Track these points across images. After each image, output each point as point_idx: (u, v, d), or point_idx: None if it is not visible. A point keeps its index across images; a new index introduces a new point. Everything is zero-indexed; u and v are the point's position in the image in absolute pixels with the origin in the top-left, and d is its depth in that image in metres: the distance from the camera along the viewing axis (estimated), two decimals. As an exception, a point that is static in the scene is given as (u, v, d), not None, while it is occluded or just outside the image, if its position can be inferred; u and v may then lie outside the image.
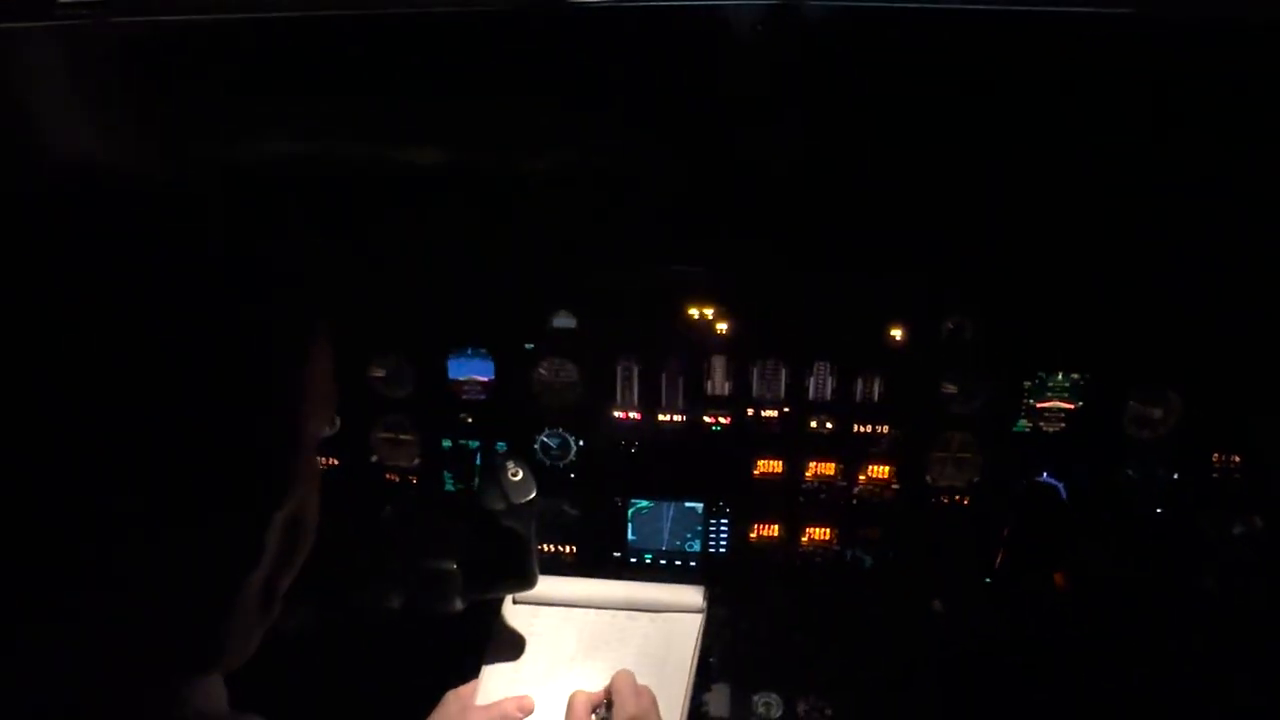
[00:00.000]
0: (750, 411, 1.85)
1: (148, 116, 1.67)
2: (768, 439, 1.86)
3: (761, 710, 1.83)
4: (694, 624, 1.62)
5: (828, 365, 1.81)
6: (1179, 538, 1.79)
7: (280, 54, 1.69)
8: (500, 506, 1.43)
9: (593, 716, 1.34)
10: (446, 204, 1.81)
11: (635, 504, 1.92)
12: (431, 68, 1.61)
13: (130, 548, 0.67)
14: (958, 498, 1.86)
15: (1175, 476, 1.81)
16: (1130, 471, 1.82)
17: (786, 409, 1.84)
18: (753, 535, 1.92)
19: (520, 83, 1.65)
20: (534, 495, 1.46)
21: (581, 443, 1.89)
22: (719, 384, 1.84)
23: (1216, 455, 1.81)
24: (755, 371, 1.83)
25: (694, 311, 1.78)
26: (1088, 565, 1.77)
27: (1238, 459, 1.80)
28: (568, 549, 1.95)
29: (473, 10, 1.55)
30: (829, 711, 1.83)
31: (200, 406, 0.65)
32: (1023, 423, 1.82)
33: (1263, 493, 1.79)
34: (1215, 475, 1.81)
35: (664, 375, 1.84)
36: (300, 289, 0.76)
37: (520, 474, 1.45)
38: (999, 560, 1.69)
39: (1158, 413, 1.80)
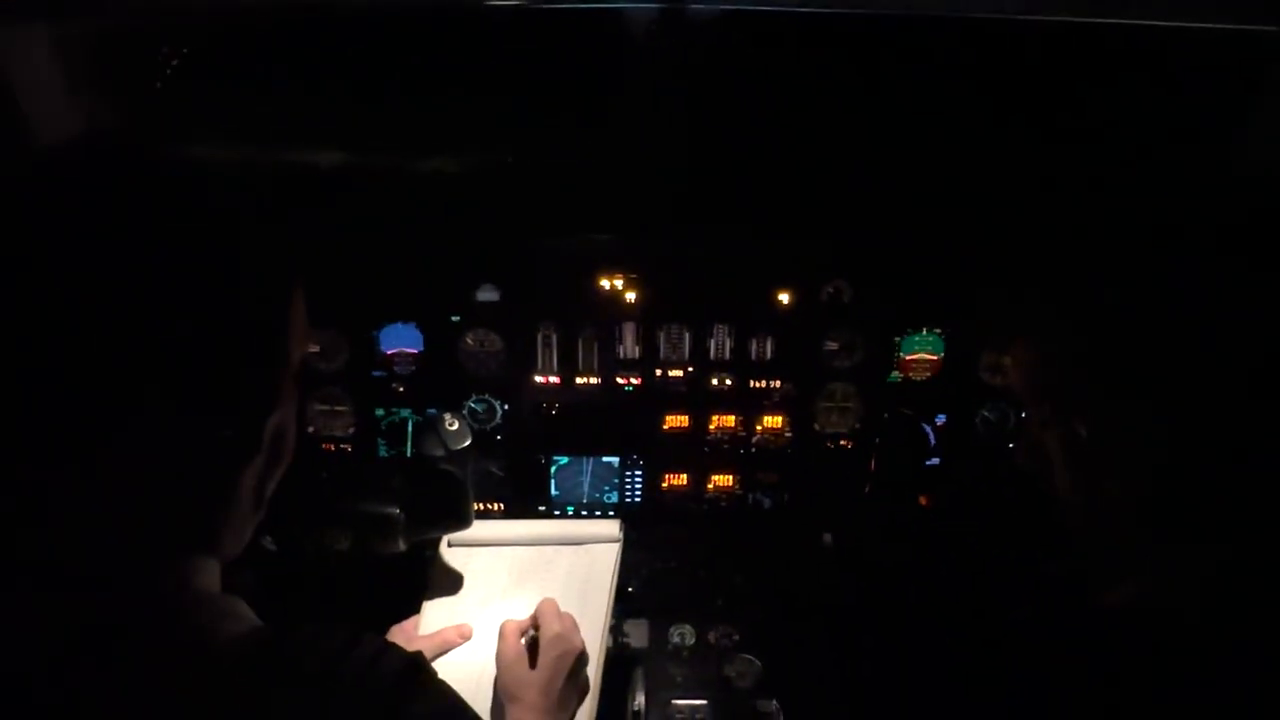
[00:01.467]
0: (658, 372, 2.06)
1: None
2: (674, 396, 2.08)
3: (676, 640, 2.03)
4: (612, 552, 1.80)
5: (726, 328, 2.04)
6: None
7: (210, 49, 1.81)
8: (439, 454, 1.60)
9: (522, 640, 1.49)
10: (374, 189, 1.96)
11: (557, 461, 2.11)
12: (357, 61, 1.76)
13: (156, 442, 0.83)
14: (842, 442, 2.11)
15: (1023, 415, 2.10)
16: (986, 412, 2.10)
17: (690, 369, 2.06)
18: (664, 484, 2.14)
19: (439, 76, 1.82)
20: (469, 443, 1.63)
21: (506, 407, 2.07)
22: (629, 348, 2.04)
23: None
24: (661, 335, 2.04)
25: (606, 282, 1.98)
26: (949, 491, 2.04)
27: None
28: (496, 505, 2.12)
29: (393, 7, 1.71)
30: (736, 637, 2.03)
31: (213, 332, 0.84)
32: (895, 374, 2.08)
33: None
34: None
35: (580, 342, 2.03)
36: (285, 251, 0.95)
37: (457, 424, 1.62)
38: (868, 487, 1.94)
39: (1007, 360, 2.08)
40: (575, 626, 1.52)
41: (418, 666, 0.90)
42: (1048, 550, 2.03)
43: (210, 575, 0.93)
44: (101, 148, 0.85)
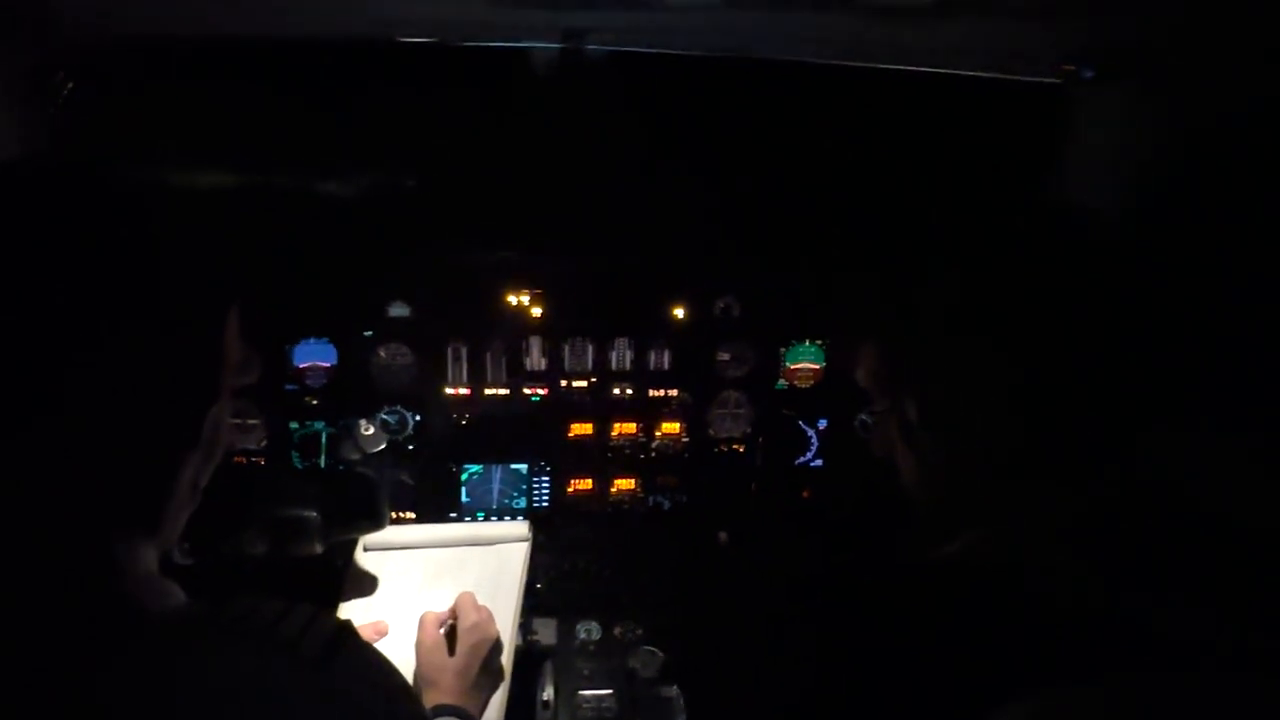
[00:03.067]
0: (563, 383, 2.19)
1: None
2: (579, 405, 2.21)
3: (583, 635, 2.15)
4: (521, 551, 1.91)
5: (626, 340, 2.19)
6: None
7: (114, 72, 1.86)
8: (355, 456, 1.68)
9: (440, 630, 1.58)
10: (287, 209, 2.04)
11: (467, 469, 2.21)
12: (276, 86, 1.86)
13: (101, 431, 0.92)
14: (735, 445, 2.28)
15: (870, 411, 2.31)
16: (864, 416, 2.31)
17: (593, 379, 2.19)
18: (570, 489, 2.26)
19: (354, 102, 1.93)
20: (383, 446, 1.72)
21: (418, 418, 2.15)
22: (536, 360, 2.17)
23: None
24: (566, 348, 2.17)
25: (513, 298, 2.11)
26: (829, 488, 2.23)
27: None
28: (408, 514, 2.20)
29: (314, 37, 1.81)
30: (640, 632, 2.17)
31: (155, 332, 0.93)
32: (781, 382, 2.27)
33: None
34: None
35: (489, 355, 2.15)
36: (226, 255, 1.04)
37: (372, 429, 1.71)
38: (754, 484, 2.11)
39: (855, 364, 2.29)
40: (491, 618, 1.62)
41: (348, 630, 0.99)
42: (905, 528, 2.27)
43: (150, 559, 1.01)
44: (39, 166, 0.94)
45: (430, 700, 1.45)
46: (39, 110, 1.83)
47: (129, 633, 0.90)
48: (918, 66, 1.71)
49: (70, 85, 1.85)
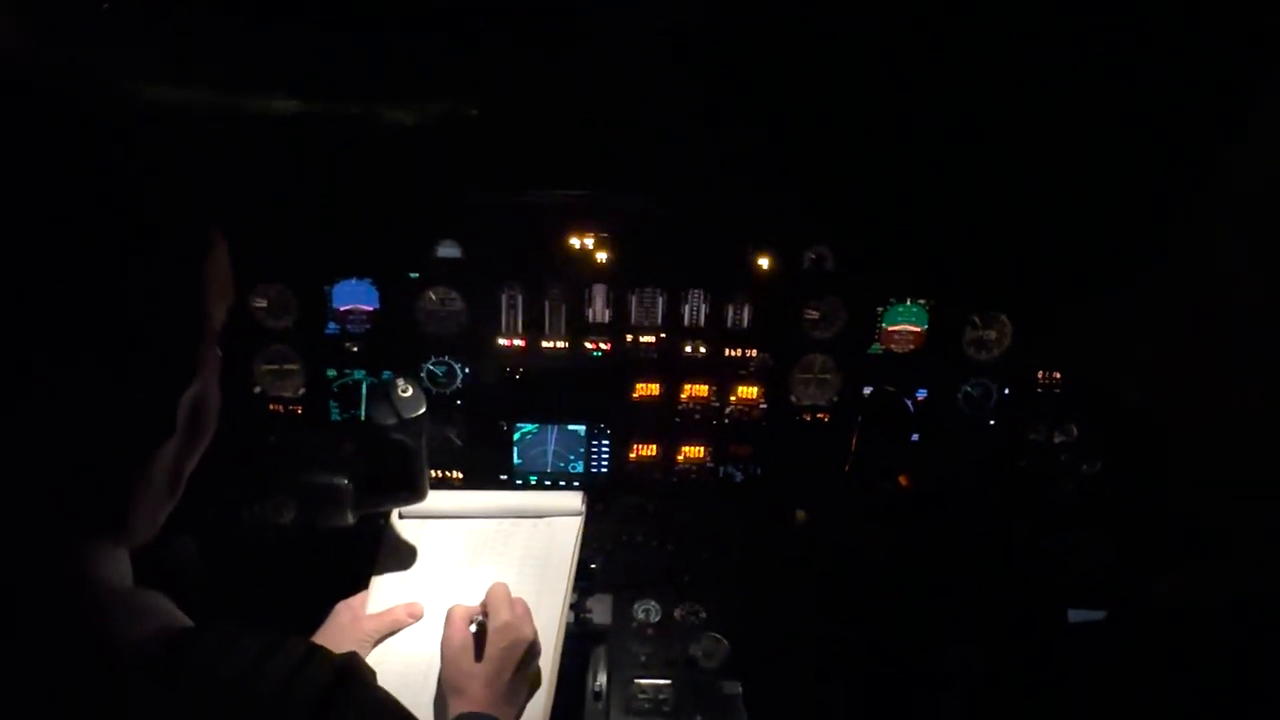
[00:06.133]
0: (629, 337, 1.95)
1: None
2: (645, 363, 1.98)
3: (641, 616, 1.95)
4: (573, 526, 1.71)
5: (701, 293, 1.94)
6: (1008, 445, 2.01)
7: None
8: (391, 421, 1.48)
9: (471, 626, 1.40)
10: (331, 137, 1.82)
11: (520, 428, 2.00)
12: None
13: (49, 418, 0.71)
14: (819, 415, 2.03)
15: (1006, 392, 2.03)
16: (969, 388, 2.02)
17: (663, 335, 1.96)
18: (632, 454, 2.04)
19: (402, 21, 1.68)
20: (423, 410, 1.51)
21: (467, 370, 1.95)
22: (599, 311, 1.93)
23: (1041, 374, 2.04)
24: (633, 299, 1.93)
25: (575, 241, 1.87)
26: (929, 470, 1.96)
27: (1058, 377, 2.03)
28: (455, 474, 2.01)
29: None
30: (703, 615, 1.96)
31: (113, 291, 0.71)
32: (876, 345, 2.00)
33: (1078, 406, 2.03)
34: (1039, 391, 2.03)
35: (547, 303, 1.92)
36: (198, 193, 0.82)
37: (410, 390, 1.50)
38: (849, 465, 1.86)
39: (992, 335, 2.00)
40: (528, 615, 1.42)
41: (348, 674, 0.79)
42: (1032, 533, 2.01)
43: (116, 567, 0.82)
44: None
45: (457, 707, 1.27)
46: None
47: (78, 666, 0.72)
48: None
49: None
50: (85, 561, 0.78)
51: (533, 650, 1.36)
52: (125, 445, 0.77)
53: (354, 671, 0.80)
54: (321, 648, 0.80)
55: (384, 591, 1.60)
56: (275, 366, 1.94)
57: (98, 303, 0.71)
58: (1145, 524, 1.90)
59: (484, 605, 1.40)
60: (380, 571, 1.63)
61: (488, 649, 1.32)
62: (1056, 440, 2.05)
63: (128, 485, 0.80)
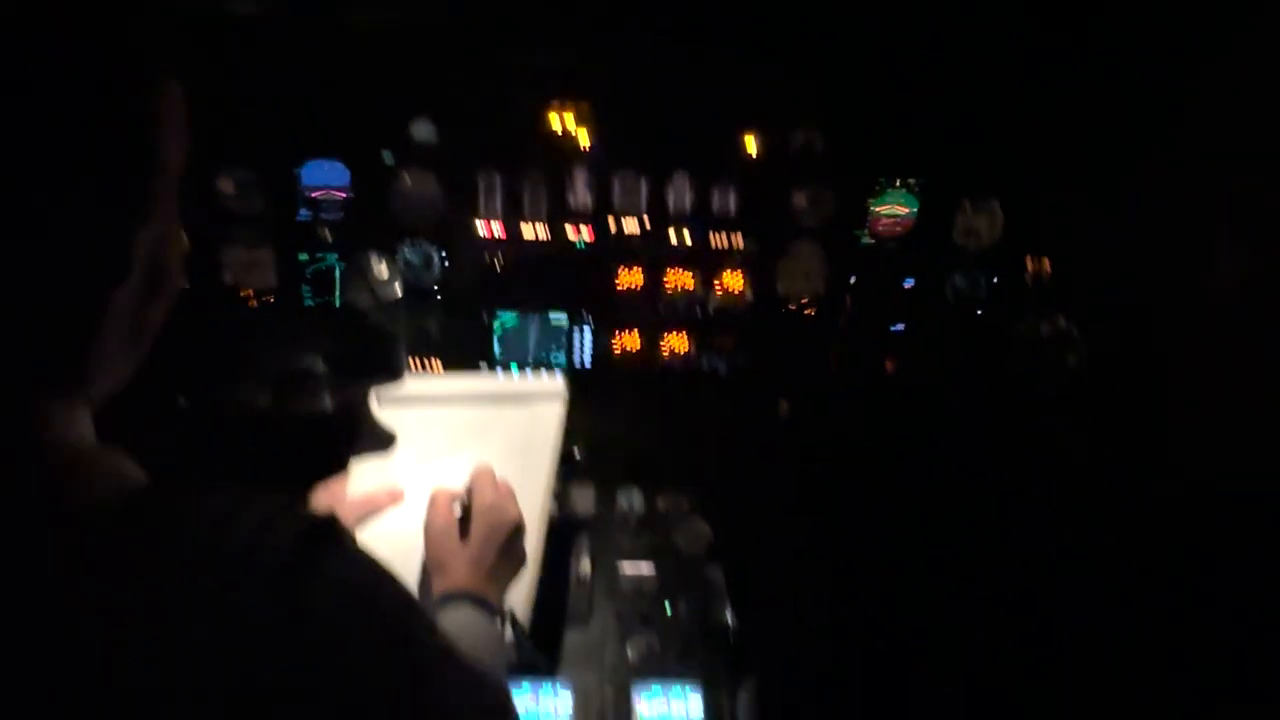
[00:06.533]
0: (611, 223, 1.89)
1: None
2: (628, 251, 1.92)
3: (624, 505, 1.95)
4: (555, 411, 1.68)
5: (687, 176, 1.87)
6: (996, 334, 2.00)
7: None
8: (367, 304, 1.43)
9: (455, 507, 1.37)
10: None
11: (500, 317, 1.96)
12: None
13: None
14: (805, 306, 1.99)
15: (995, 282, 2.00)
16: (957, 278, 1.99)
17: (646, 221, 1.89)
18: (615, 345, 2.00)
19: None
20: (400, 293, 1.46)
21: (445, 257, 1.89)
22: (580, 196, 1.87)
23: (1030, 264, 2.00)
24: (616, 182, 1.86)
25: (555, 118, 1.78)
26: (915, 361, 1.95)
27: (1048, 265, 1.99)
28: (434, 364, 1.97)
29: None
30: (685, 505, 1.96)
31: (60, 121, 0.67)
32: (865, 234, 1.95)
33: (1066, 296, 2.00)
34: (1028, 281, 2.00)
35: (526, 187, 1.85)
36: (153, 31, 0.76)
37: (386, 271, 1.44)
38: (835, 355, 1.84)
39: (982, 223, 1.96)
40: (511, 496, 1.40)
41: (324, 531, 0.76)
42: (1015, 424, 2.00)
43: (76, 423, 0.78)
44: None
45: (440, 587, 1.25)
46: None
47: (29, 525, 0.68)
48: None
49: None
50: (41, 416, 0.74)
51: (517, 531, 1.35)
52: (77, 285, 0.73)
53: (330, 528, 0.77)
54: (296, 504, 0.77)
55: (364, 475, 1.57)
56: (245, 253, 1.86)
57: (43, 131, 0.66)
58: (1130, 416, 1.91)
59: (468, 487, 1.37)
60: (360, 455, 1.59)
61: (473, 529, 1.30)
62: (1044, 331, 2.02)
63: (85, 334, 0.76)
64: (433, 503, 1.36)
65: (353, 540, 0.80)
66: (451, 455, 1.61)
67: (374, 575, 0.81)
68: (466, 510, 1.34)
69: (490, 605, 1.23)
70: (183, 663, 0.65)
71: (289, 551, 0.71)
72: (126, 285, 0.75)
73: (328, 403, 1.49)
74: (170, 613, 0.67)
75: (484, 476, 1.38)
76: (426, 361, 1.95)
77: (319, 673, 0.70)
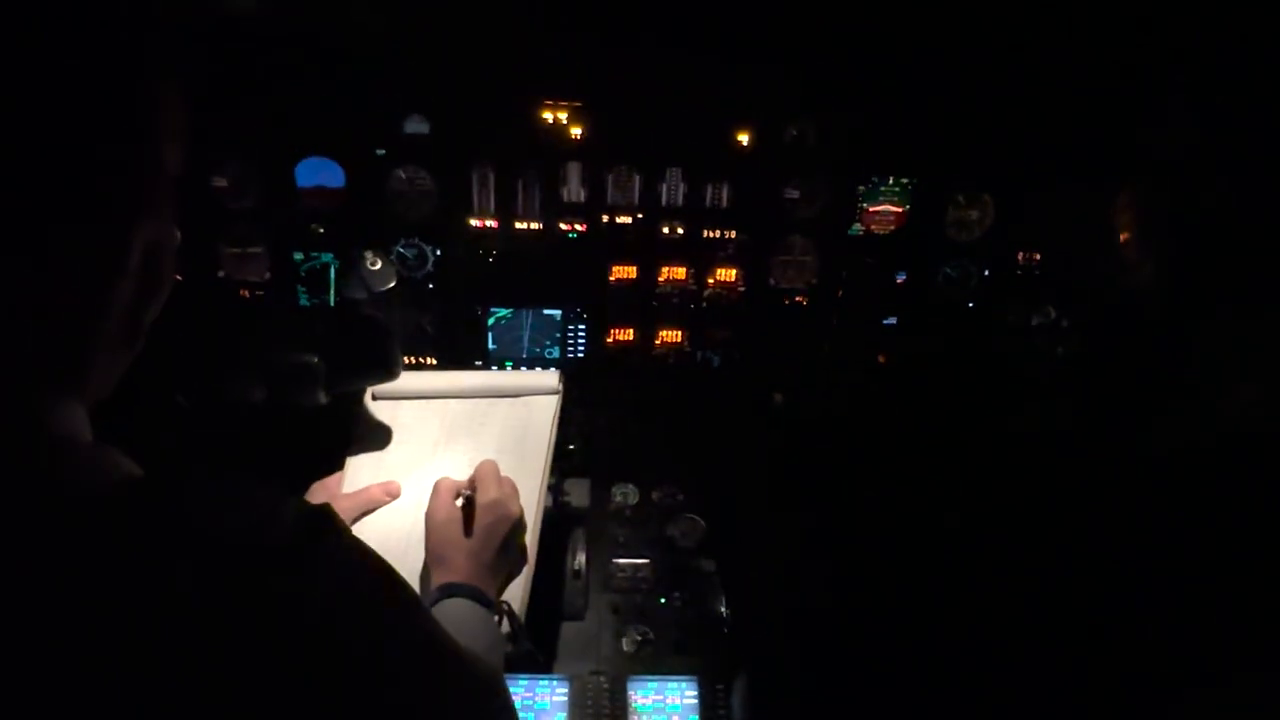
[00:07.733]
0: (605, 218, 1.90)
1: None
2: (622, 245, 1.93)
3: (619, 499, 1.96)
4: (550, 405, 1.68)
5: (679, 171, 1.88)
6: (987, 326, 2.01)
7: None
8: (361, 295, 1.44)
9: (457, 501, 1.38)
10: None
11: (494, 312, 1.96)
12: None
13: None
14: (798, 298, 2.00)
15: (986, 274, 2.01)
16: (948, 270, 2.00)
17: (640, 215, 1.90)
18: (609, 339, 2.01)
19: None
20: (394, 283, 1.46)
21: (439, 253, 1.90)
22: (574, 190, 1.87)
23: (1020, 255, 2.01)
24: (610, 178, 1.87)
25: (549, 115, 1.79)
26: (909, 351, 1.96)
27: (1038, 258, 2.01)
28: (429, 360, 1.98)
29: None
30: (680, 497, 1.97)
31: (60, 114, 0.67)
32: (857, 226, 1.96)
33: (1056, 288, 2.02)
34: (1019, 273, 2.01)
35: (520, 182, 1.86)
36: (154, 28, 0.76)
37: (379, 263, 1.45)
38: (828, 346, 1.84)
39: (974, 215, 1.97)
40: (515, 492, 1.41)
41: (320, 524, 0.76)
42: (1006, 410, 2.01)
43: (72, 419, 0.78)
44: None
45: (440, 578, 1.26)
46: None
47: (22, 518, 0.69)
48: None
49: None
50: (38, 412, 0.74)
51: (518, 527, 1.36)
52: (74, 282, 0.73)
53: (327, 520, 0.77)
54: (292, 496, 0.78)
55: (360, 472, 1.57)
56: (239, 249, 1.87)
57: (42, 130, 0.66)
58: (1117, 401, 1.92)
59: (472, 480, 1.38)
60: (355, 452, 1.60)
61: (475, 523, 1.30)
62: (1034, 322, 2.04)
63: (82, 332, 0.76)
64: (437, 492, 1.36)
65: (349, 533, 0.81)
66: (447, 448, 1.62)
67: (370, 568, 0.82)
68: (470, 503, 1.35)
69: (488, 599, 1.24)
70: (179, 656, 0.66)
71: (285, 545, 0.72)
72: (123, 282, 0.76)
73: (323, 398, 1.49)
74: (166, 606, 0.68)
75: (489, 472, 1.38)
76: (422, 357, 1.96)
77: (316, 665, 0.71)
